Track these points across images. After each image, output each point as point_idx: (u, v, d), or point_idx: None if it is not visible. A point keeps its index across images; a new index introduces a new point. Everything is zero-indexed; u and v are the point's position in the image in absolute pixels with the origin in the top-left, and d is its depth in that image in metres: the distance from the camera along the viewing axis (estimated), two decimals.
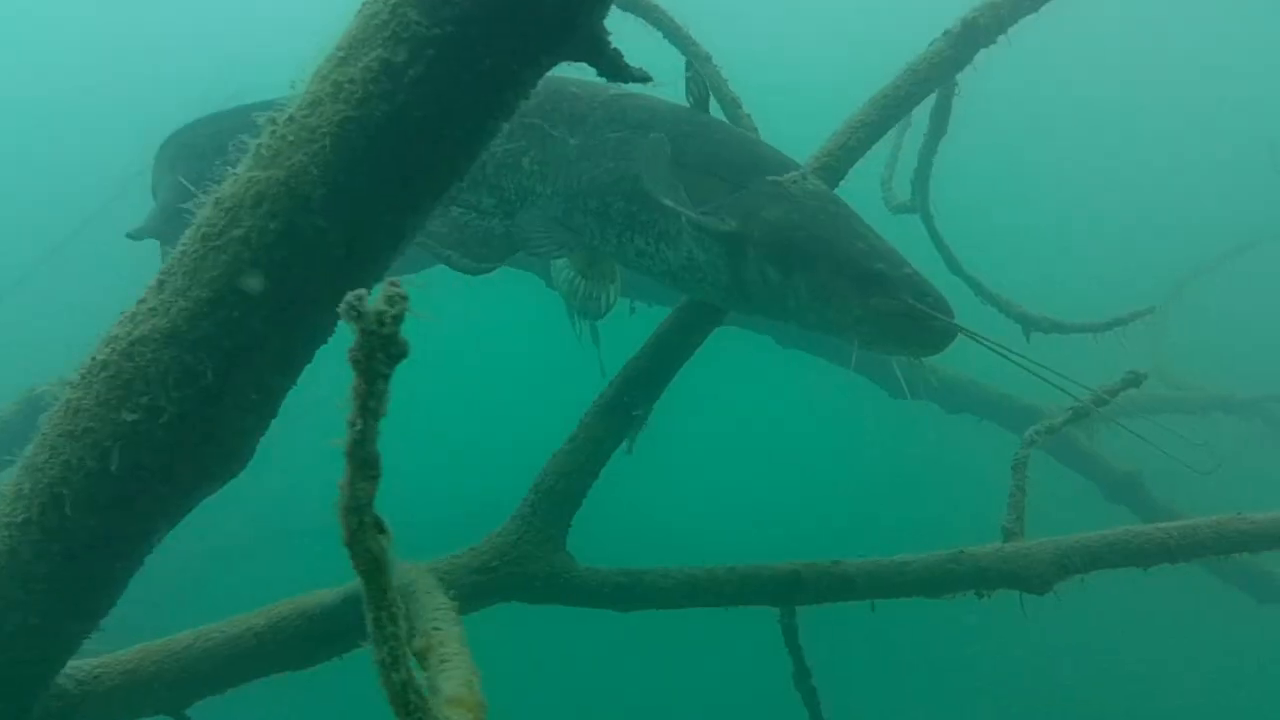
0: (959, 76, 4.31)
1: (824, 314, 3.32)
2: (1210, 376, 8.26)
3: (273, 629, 2.77)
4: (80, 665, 2.63)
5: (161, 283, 2.23)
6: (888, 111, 3.79)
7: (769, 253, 3.29)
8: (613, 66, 2.23)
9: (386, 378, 1.39)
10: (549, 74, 3.43)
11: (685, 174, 3.43)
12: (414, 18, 2.06)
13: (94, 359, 2.23)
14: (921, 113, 4.76)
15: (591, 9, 2.15)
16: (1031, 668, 11.95)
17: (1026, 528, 3.32)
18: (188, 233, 2.23)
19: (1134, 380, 3.75)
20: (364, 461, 1.38)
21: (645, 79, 2.25)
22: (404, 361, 1.38)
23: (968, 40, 3.94)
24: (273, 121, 2.17)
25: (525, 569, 2.93)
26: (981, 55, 4.23)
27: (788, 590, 3.05)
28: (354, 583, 2.82)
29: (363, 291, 1.37)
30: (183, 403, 2.17)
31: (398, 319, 1.38)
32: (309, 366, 2.32)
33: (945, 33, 3.96)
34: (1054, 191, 24.54)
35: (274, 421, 2.37)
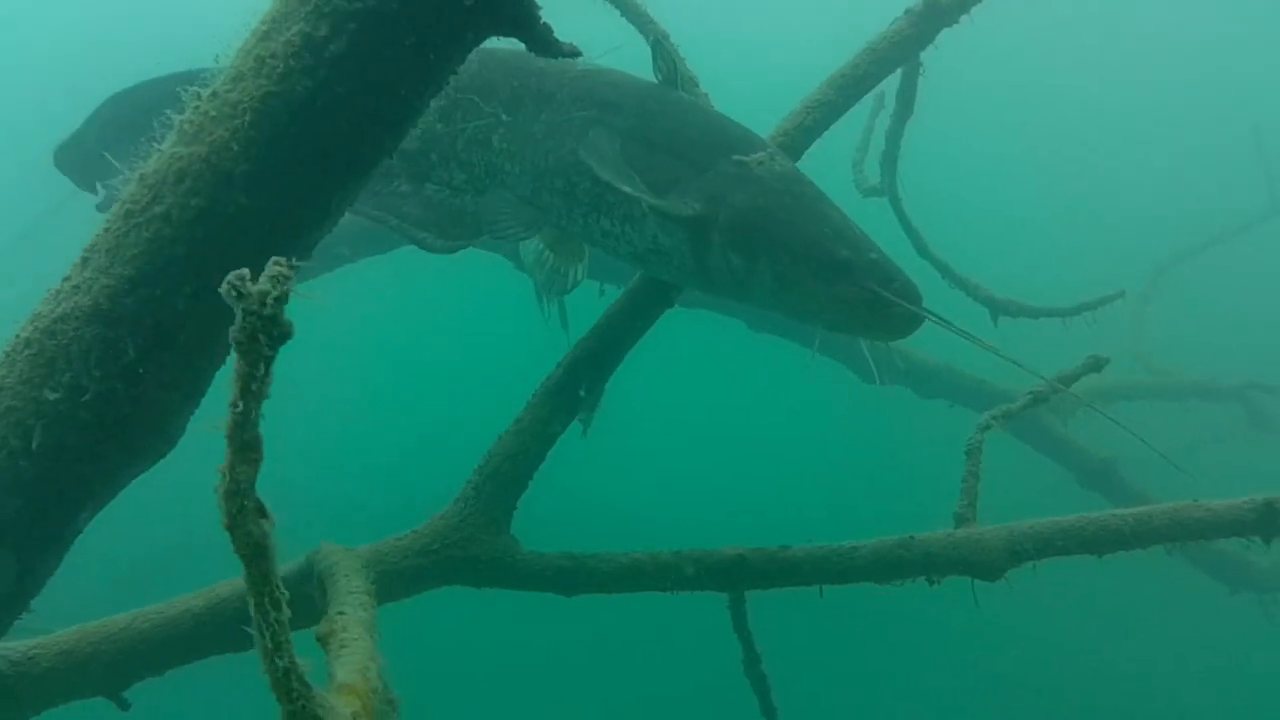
0: (945, 61, 4.27)
1: (789, 300, 3.29)
2: (1193, 363, 8.23)
3: (211, 611, 2.75)
4: (14, 646, 2.62)
5: (85, 259, 2.20)
6: (846, 91, 3.74)
7: (733, 238, 3.26)
8: (542, 42, 2.19)
9: (269, 359, 1.36)
10: (516, 50, 3.40)
11: (652, 154, 3.40)
12: None
13: (19, 337, 2.21)
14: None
15: None
16: (1012, 664, 11.99)
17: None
18: (113, 209, 2.20)
19: (1095, 365, 3.72)
20: (245, 444, 1.35)
21: (575, 54, 2.21)
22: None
23: (929, 19, 3.88)
24: (196, 97, 2.14)
25: (467, 552, 2.91)
26: (963, 39, 4.19)
27: (733, 575, 3.02)
28: (293, 563, 2.80)
29: (244, 271, 1.34)
30: (105, 381, 2.15)
31: (281, 300, 1.35)
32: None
33: (906, 11, 3.91)
34: (1035, 177, 24.48)
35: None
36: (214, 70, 2.17)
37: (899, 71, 4.35)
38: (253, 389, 1.34)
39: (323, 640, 1.64)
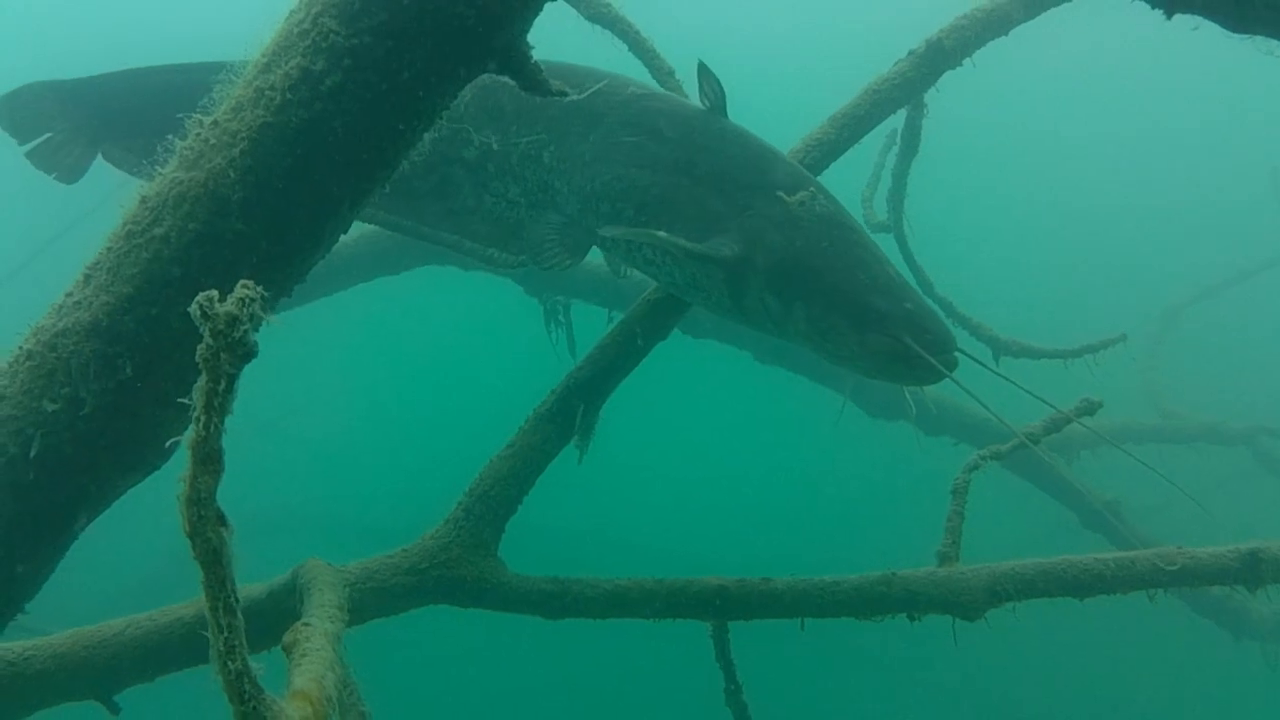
0: (957, 102, 4.33)
1: (823, 345, 3.32)
2: (1203, 407, 8.18)
3: (201, 620, 2.80)
4: (10, 646, 2.70)
5: (87, 276, 2.29)
6: (846, 131, 3.80)
7: (769, 281, 3.29)
8: (532, 81, 2.28)
9: (233, 377, 1.43)
10: (571, 66, 3.46)
11: (695, 187, 3.42)
12: (332, 27, 2.12)
13: (21, 349, 2.30)
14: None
15: (512, 22, 2.20)
16: (1001, 697, 11.88)
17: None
18: (114, 229, 2.30)
19: (1088, 408, 3.73)
20: (207, 456, 1.42)
21: (563, 94, 2.30)
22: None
23: (932, 62, 3.94)
24: (198, 124, 2.24)
25: (454, 573, 2.96)
26: (978, 79, 4.23)
27: (715, 606, 3.06)
28: (280, 578, 2.87)
29: (213, 293, 1.41)
30: (102, 395, 2.24)
31: (248, 322, 1.42)
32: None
33: (910, 53, 3.96)
34: (1046, 218, 24.38)
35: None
36: (216, 98, 2.27)
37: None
38: (215, 404, 1.41)
39: (287, 649, 1.70)
